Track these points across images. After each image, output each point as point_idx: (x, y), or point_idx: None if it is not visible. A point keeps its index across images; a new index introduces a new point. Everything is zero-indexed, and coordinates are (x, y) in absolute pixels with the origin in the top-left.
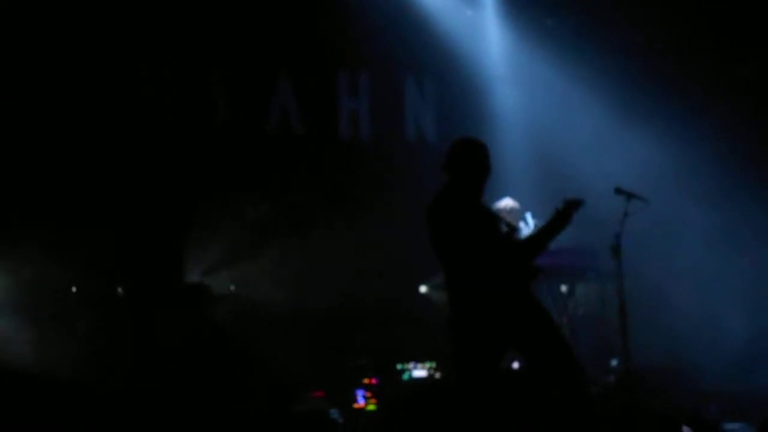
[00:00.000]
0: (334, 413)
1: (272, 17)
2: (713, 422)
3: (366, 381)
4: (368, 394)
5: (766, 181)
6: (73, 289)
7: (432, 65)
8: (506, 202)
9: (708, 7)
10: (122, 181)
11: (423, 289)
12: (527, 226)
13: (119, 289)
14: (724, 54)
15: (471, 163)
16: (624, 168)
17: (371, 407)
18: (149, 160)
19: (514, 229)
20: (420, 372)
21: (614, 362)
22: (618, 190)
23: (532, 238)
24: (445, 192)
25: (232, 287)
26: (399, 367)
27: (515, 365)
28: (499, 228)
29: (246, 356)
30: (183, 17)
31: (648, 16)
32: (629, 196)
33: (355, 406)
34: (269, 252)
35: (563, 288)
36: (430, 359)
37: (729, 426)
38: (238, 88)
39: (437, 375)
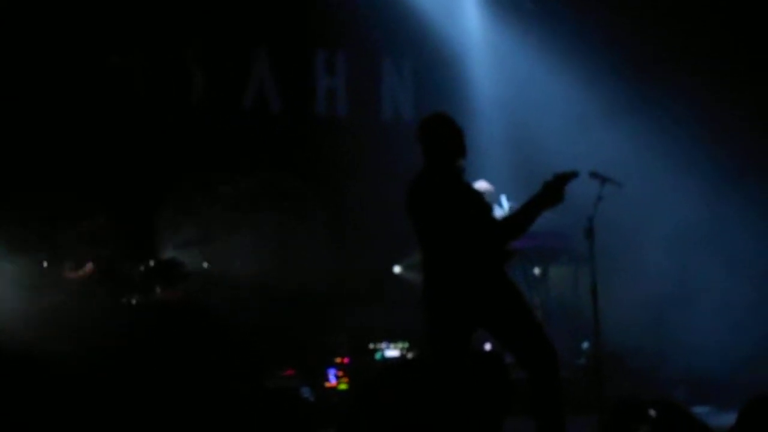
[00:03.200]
0: (306, 391)
1: None
2: (682, 405)
3: (338, 360)
4: (340, 373)
5: (744, 163)
6: (45, 264)
7: (410, 45)
8: (481, 185)
9: None
10: (95, 157)
11: (397, 269)
12: (502, 209)
13: (90, 264)
14: (708, 39)
15: (442, 137)
16: (600, 153)
17: (343, 386)
18: (123, 136)
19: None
20: (392, 351)
21: (586, 345)
22: (593, 174)
23: (518, 213)
24: (427, 171)
25: (206, 264)
26: (371, 346)
27: (487, 346)
28: (484, 207)
29: (218, 333)
30: None
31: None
32: (603, 180)
33: (327, 385)
34: (244, 229)
35: (536, 270)
36: (403, 339)
37: (698, 409)
38: (215, 65)
39: (410, 355)
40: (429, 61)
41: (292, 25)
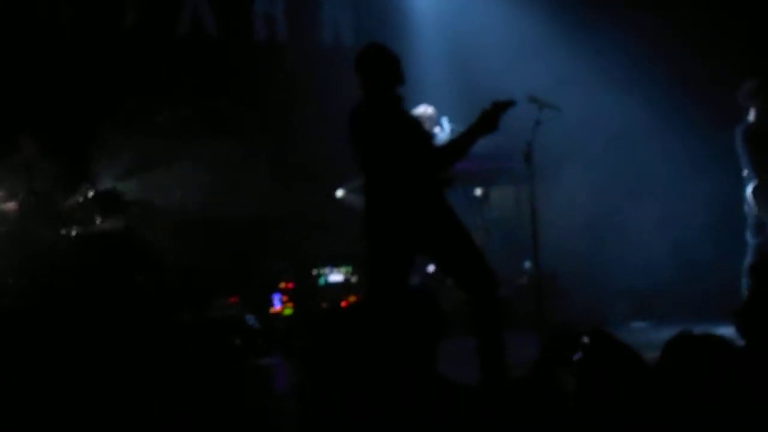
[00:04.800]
0: (250, 319)
1: None
2: (614, 334)
3: (282, 285)
4: (285, 298)
5: (684, 86)
6: None
7: None
8: (423, 109)
9: None
10: (25, 86)
11: (339, 193)
12: (443, 131)
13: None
14: None
15: (381, 66)
16: (539, 76)
17: (288, 311)
18: (54, 64)
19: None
20: (336, 276)
21: (527, 264)
22: (531, 99)
23: (455, 140)
24: (367, 99)
25: (144, 194)
26: (315, 272)
27: (430, 269)
28: (423, 134)
29: (158, 263)
30: None
31: None
32: (542, 104)
33: (272, 310)
34: (184, 157)
35: (478, 191)
36: (347, 263)
37: (637, 324)
38: None
39: (353, 279)
40: None
41: None
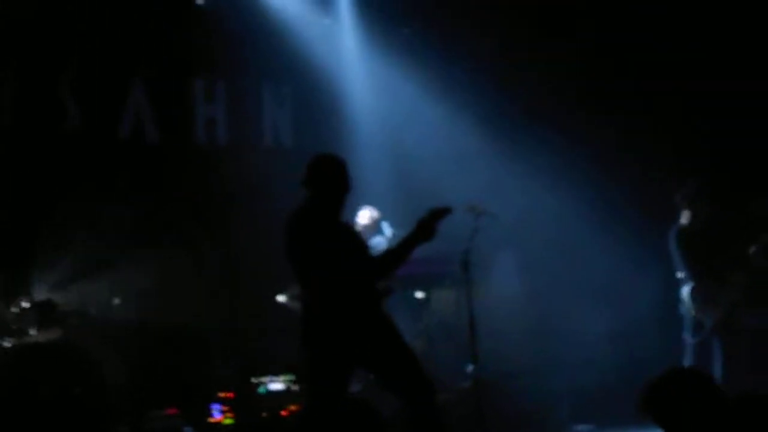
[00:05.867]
0: (188, 431)
1: (127, 20)
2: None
3: (222, 395)
4: (224, 408)
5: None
6: None
7: (290, 72)
8: (367, 212)
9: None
10: None
11: (281, 298)
12: (383, 236)
13: None
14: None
15: (331, 179)
16: (482, 183)
17: (228, 421)
18: None
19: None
20: (277, 385)
21: (470, 368)
22: (469, 208)
23: (393, 250)
24: (305, 207)
25: (82, 303)
26: (255, 380)
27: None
28: (360, 244)
29: (96, 374)
30: (28, 15)
31: (510, 31)
32: (480, 212)
33: (211, 420)
34: (124, 264)
35: (419, 295)
36: (288, 372)
37: (578, 428)
38: (90, 93)
39: (294, 387)
40: (309, 88)
41: (169, 54)
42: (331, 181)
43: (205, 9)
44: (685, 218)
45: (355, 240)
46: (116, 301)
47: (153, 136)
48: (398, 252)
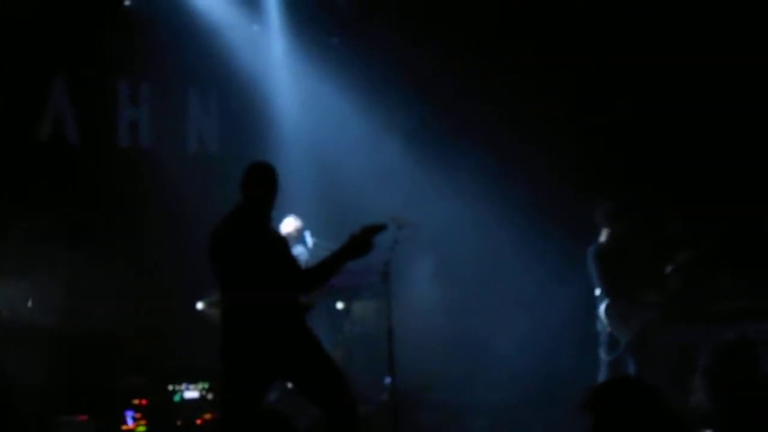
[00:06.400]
0: None
1: (50, 18)
2: None
3: (135, 402)
4: (138, 416)
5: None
6: None
7: (216, 78)
8: (291, 221)
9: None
10: None
11: (200, 305)
12: (305, 245)
13: None
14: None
15: (265, 185)
16: (405, 196)
17: (141, 429)
18: None
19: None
20: (192, 393)
21: (388, 380)
22: (393, 219)
23: (325, 262)
24: (233, 215)
25: None
26: (170, 387)
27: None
28: (288, 254)
29: (6, 380)
30: None
31: (441, 43)
32: (402, 224)
33: (124, 428)
34: (38, 268)
35: (340, 305)
36: (203, 379)
37: None
38: (8, 93)
39: (210, 396)
40: (235, 94)
41: (93, 55)
42: (266, 187)
43: (132, 10)
44: (603, 236)
45: (284, 250)
46: (29, 304)
47: (74, 137)
48: (330, 265)
